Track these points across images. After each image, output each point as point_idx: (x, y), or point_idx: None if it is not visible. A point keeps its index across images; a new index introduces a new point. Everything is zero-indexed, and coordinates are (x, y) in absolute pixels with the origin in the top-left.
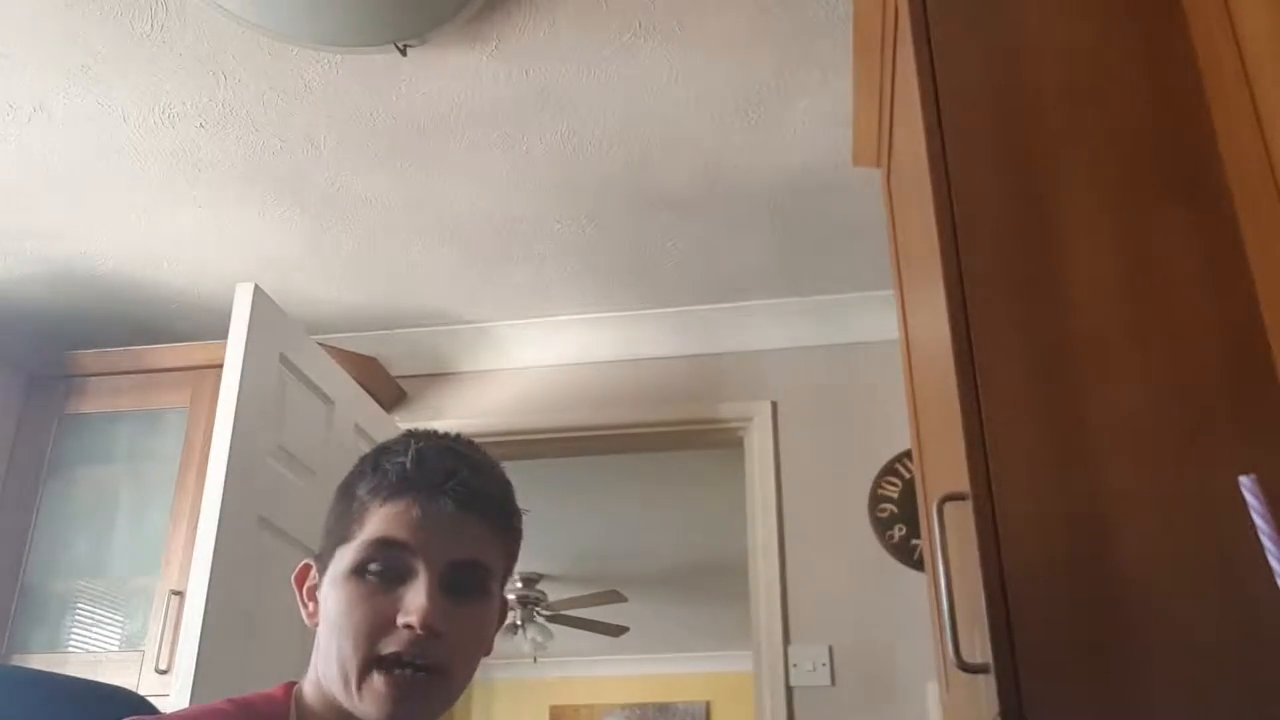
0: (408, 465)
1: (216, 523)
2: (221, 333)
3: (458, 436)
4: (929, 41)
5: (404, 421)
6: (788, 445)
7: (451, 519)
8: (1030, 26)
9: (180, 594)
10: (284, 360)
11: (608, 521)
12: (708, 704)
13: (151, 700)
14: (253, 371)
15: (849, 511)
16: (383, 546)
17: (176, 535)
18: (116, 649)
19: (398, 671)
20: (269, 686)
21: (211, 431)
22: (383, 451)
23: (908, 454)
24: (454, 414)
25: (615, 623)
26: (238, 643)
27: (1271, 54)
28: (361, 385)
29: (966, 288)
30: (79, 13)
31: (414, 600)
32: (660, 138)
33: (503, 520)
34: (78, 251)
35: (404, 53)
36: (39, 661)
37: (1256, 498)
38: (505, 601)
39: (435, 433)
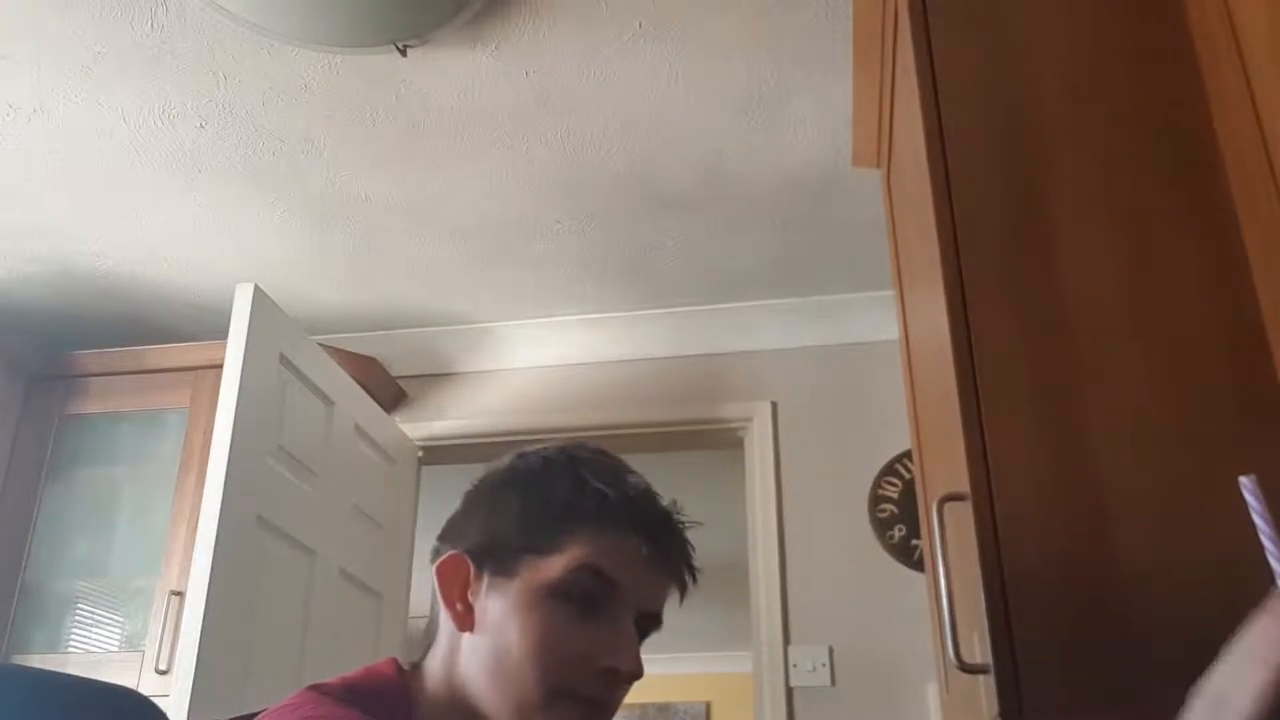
0: (634, 496)
1: (216, 523)
2: (221, 333)
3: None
4: (929, 41)
5: (404, 421)
6: (788, 445)
7: (668, 572)
8: (1030, 26)
9: (180, 594)
10: (284, 360)
11: None
12: (708, 704)
13: (153, 701)
14: (253, 372)
15: (849, 511)
16: (595, 576)
17: (176, 535)
18: (117, 649)
19: (588, 703)
20: (268, 686)
21: (211, 432)
22: (587, 467)
23: (908, 454)
24: (454, 414)
25: None
26: (238, 643)
27: (1271, 54)
28: (361, 385)
29: (966, 288)
30: (79, 13)
31: (622, 643)
32: (660, 138)
33: (686, 588)
34: (78, 251)
35: (404, 53)
36: (39, 661)
37: (1256, 498)
38: None
39: (628, 465)
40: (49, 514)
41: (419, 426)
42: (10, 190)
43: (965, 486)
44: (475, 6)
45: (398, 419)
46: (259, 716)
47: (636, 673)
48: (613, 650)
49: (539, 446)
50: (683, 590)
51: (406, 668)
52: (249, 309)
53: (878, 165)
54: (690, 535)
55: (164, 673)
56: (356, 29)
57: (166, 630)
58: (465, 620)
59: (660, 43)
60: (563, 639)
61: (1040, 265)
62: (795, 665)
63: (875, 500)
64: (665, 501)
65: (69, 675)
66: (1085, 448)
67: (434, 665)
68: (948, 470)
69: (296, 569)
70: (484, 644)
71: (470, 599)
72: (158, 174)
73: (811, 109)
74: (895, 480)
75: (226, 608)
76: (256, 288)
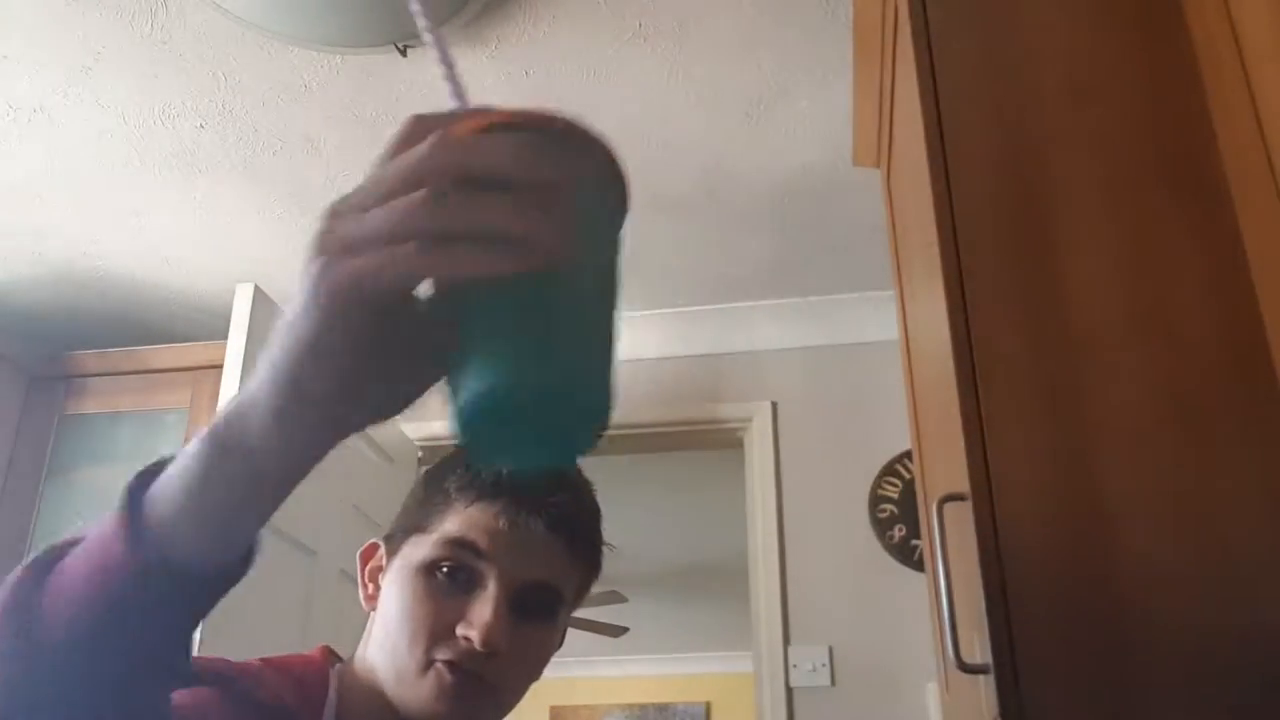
0: (504, 474)
1: None
2: (221, 333)
3: None
4: (929, 41)
5: (404, 421)
6: (788, 445)
7: (538, 539)
8: (1030, 26)
9: None
10: None
11: (608, 522)
12: (708, 704)
13: None
14: (252, 372)
15: (849, 511)
16: (459, 548)
17: None
18: None
19: (459, 672)
20: None
21: None
22: None
23: (908, 454)
24: None
25: (616, 623)
26: (238, 643)
27: (1271, 54)
28: None
29: (966, 288)
30: (79, 13)
31: (479, 613)
32: (660, 138)
33: (588, 551)
34: (78, 251)
35: (404, 53)
36: None
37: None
38: (565, 632)
39: None
40: (49, 514)
41: (419, 426)
42: (10, 190)
43: (965, 486)
44: (475, 6)
45: (398, 419)
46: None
47: (490, 641)
48: (469, 619)
49: None
50: (579, 557)
51: (345, 660)
52: (249, 309)
53: (878, 165)
54: (689, 532)
55: None
56: (356, 29)
57: None
58: (372, 600)
59: (660, 43)
60: (426, 609)
61: (1040, 265)
62: (795, 665)
63: (875, 500)
64: (569, 475)
65: None
66: (1085, 448)
67: (360, 650)
68: (948, 470)
69: (296, 569)
70: (378, 618)
71: (378, 579)
72: (157, 174)
73: (811, 109)
74: (895, 480)
75: (226, 608)
76: (256, 288)
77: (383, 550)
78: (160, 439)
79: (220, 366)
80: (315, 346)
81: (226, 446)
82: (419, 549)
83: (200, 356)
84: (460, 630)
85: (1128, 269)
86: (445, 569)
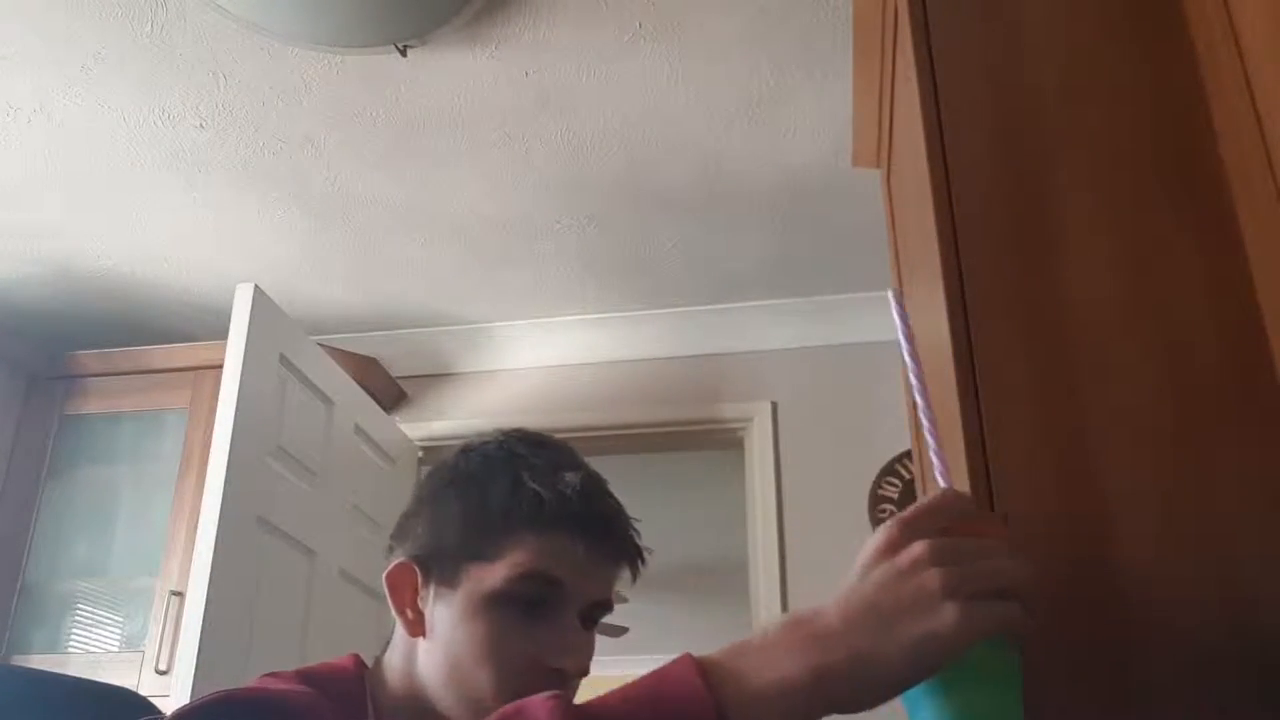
0: (570, 495)
1: (216, 523)
2: (221, 333)
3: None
4: (929, 41)
5: (404, 422)
6: (788, 445)
7: (609, 561)
8: (1030, 26)
9: (180, 594)
10: (284, 361)
11: None
12: None
13: (152, 701)
14: (252, 372)
15: (849, 512)
16: (537, 581)
17: (176, 536)
18: (116, 649)
19: None
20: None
21: (211, 432)
22: (525, 465)
23: (908, 454)
24: (454, 414)
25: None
26: (238, 643)
27: (1271, 54)
28: (361, 386)
29: (966, 288)
30: (79, 14)
31: (567, 643)
32: (660, 138)
33: (638, 567)
34: (78, 251)
35: (404, 53)
36: (39, 662)
37: (900, 307)
38: None
39: (571, 452)
40: (49, 514)
41: (419, 427)
42: (10, 190)
43: (965, 487)
44: (475, 6)
45: (398, 419)
46: (212, 694)
47: (583, 671)
48: (559, 651)
49: (482, 440)
50: (634, 573)
51: (370, 665)
52: (249, 309)
53: (878, 165)
54: (689, 532)
55: (164, 673)
56: (356, 29)
57: (166, 630)
58: (416, 628)
59: (660, 43)
60: (509, 645)
61: (1040, 265)
62: None
63: (875, 500)
64: (602, 490)
65: (67, 676)
66: (1085, 448)
67: (393, 661)
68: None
69: (296, 569)
70: (437, 651)
71: (420, 606)
72: (158, 174)
73: (811, 109)
74: (895, 480)
75: (226, 608)
76: (256, 288)
77: (419, 575)
78: (160, 439)
79: (220, 367)
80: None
81: None
82: (486, 580)
83: (200, 356)
84: (552, 662)
85: (1128, 269)
86: (522, 599)
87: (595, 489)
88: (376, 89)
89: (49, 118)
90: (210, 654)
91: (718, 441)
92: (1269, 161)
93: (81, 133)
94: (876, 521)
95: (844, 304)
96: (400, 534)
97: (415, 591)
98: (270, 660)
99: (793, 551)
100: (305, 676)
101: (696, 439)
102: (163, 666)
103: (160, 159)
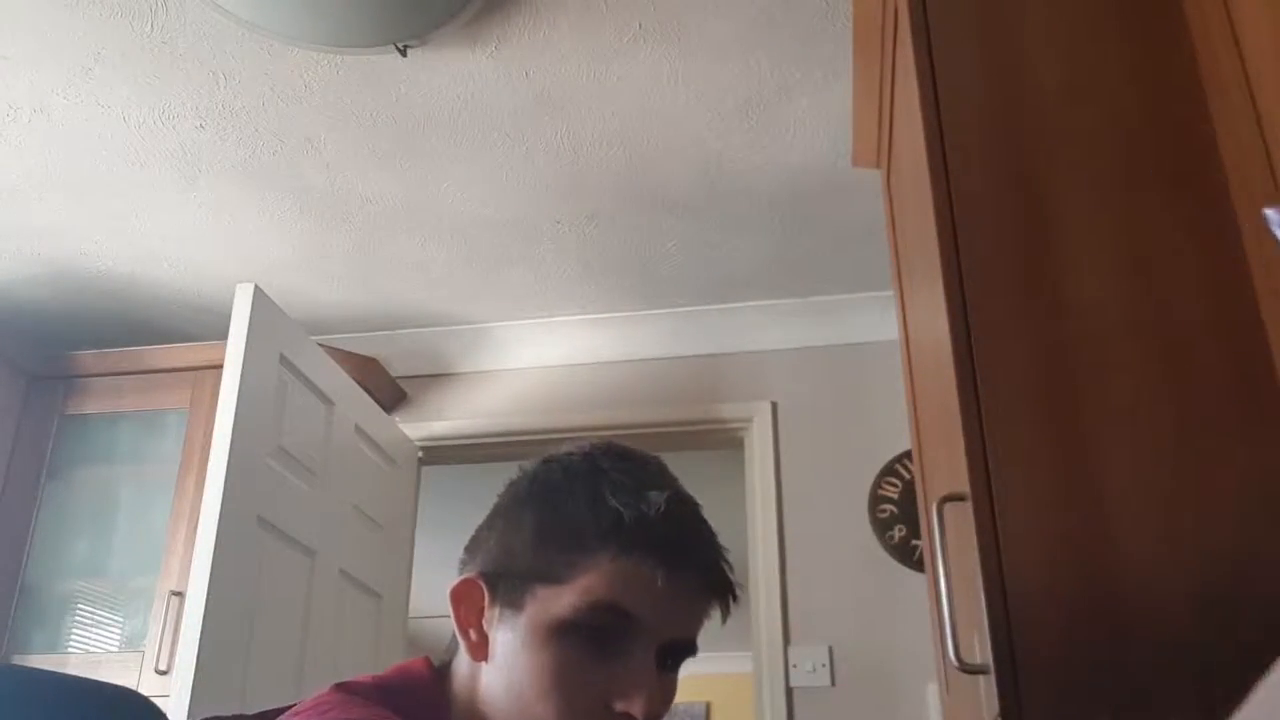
0: (652, 516)
1: (216, 523)
2: (221, 333)
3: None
4: (929, 41)
5: (404, 422)
6: (788, 445)
7: (694, 596)
8: (1030, 26)
9: (180, 594)
10: (284, 361)
11: None
12: (708, 704)
13: (154, 701)
14: (252, 372)
15: (849, 512)
16: (608, 612)
17: (176, 536)
18: (116, 649)
19: None
20: (268, 686)
21: (211, 432)
22: (608, 480)
23: (908, 454)
24: (454, 414)
25: None
26: (238, 643)
27: (1271, 54)
28: (361, 386)
29: (966, 288)
30: (79, 14)
31: (637, 684)
32: (660, 138)
33: (731, 605)
34: (78, 251)
35: (404, 53)
36: (39, 662)
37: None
38: None
39: (662, 468)
40: (49, 514)
41: (419, 427)
42: (10, 190)
43: (965, 487)
44: (475, 6)
45: (398, 419)
46: (287, 713)
47: (655, 716)
48: (627, 693)
49: (568, 448)
50: (725, 612)
51: (438, 666)
52: (249, 309)
53: (877, 165)
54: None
55: (164, 673)
56: (356, 29)
57: (166, 630)
58: (479, 650)
59: (660, 43)
60: (575, 680)
61: (1040, 265)
62: (795, 665)
63: (875, 500)
64: (692, 514)
65: (68, 675)
66: (1085, 447)
67: (460, 674)
68: (948, 471)
69: (296, 569)
70: (499, 677)
71: (485, 627)
72: (157, 174)
73: (811, 109)
74: (895, 481)
75: (226, 608)
76: (256, 288)
77: (486, 592)
78: (160, 439)
79: (220, 367)
80: None
81: None
82: (554, 605)
83: (200, 356)
84: (619, 706)
85: (1127, 269)
86: (591, 631)
87: (683, 512)
88: (376, 89)
89: (49, 118)
90: (210, 654)
91: (718, 441)
92: (1269, 161)
93: (81, 133)
94: (876, 522)
95: (844, 304)
96: (473, 546)
97: (480, 610)
98: (270, 660)
99: (793, 552)
100: (381, 687)
101: (696, 439)
102: (163, 666)
103: (160, 159)
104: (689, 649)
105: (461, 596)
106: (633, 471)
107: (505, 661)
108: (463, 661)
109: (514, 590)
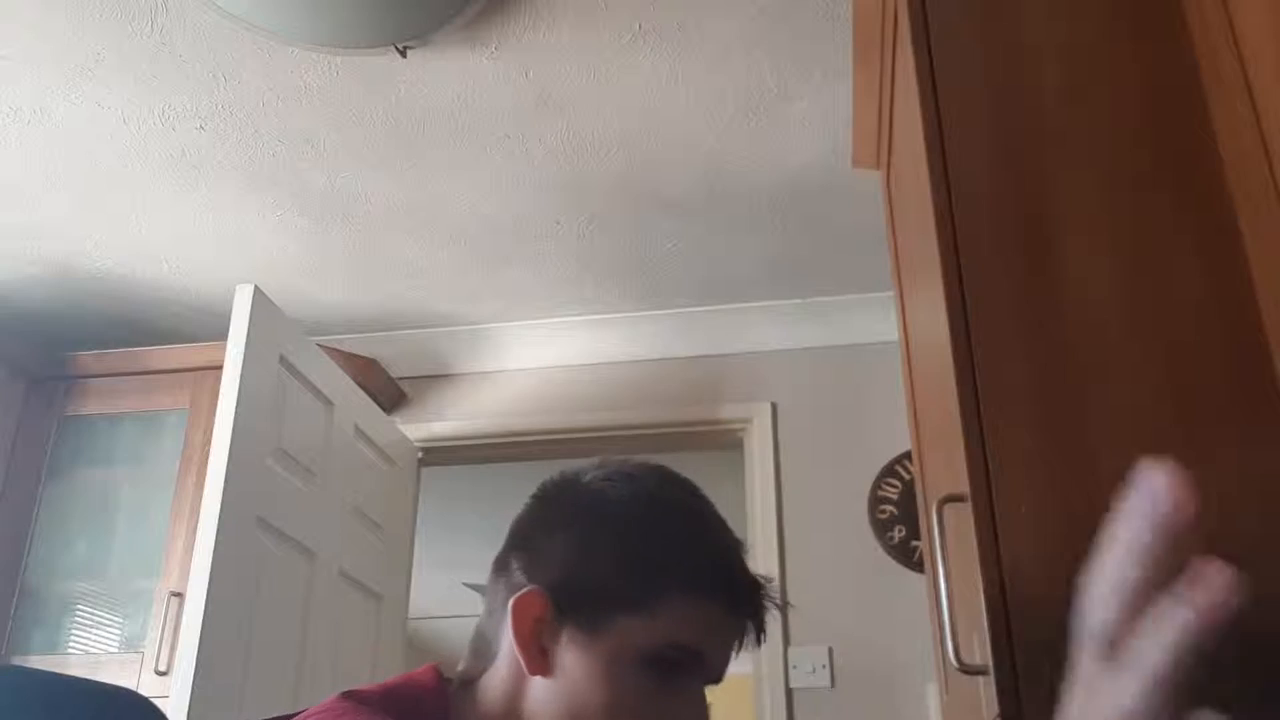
0: (734, 566)
1: (216, 524)
2: (221, 334)
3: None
4: (929, 41)
5: (404, 422)
6: (788, 446)
7: (739, 634)
8: (1030, 26)
9: (180, 595)
10: (283, 362)
11: None
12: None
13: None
14: (252, 373)
15: (849, 513)
16: (685, 652)
17: (176, 537)
18: (116, 650)
19: None
20: (268, 687)
21: (211, 433)
22: (693, 520)
23: (908, 455)
24: (454, 415)
25: None
26: (237, 643)
27: (1271, 54)
28: (361, 387)
29: (966, 288)
30: (80, 15)
31: (693, 714)
32: (660, 139)
33: (752, 647)
34: (78, 252)
35: (404, 54)
36: (39, 663)
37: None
38: None
39: (714, 507)
40: (49, 514)
41: (419, 427)
42: (10, 190)
43: (965, 487)
44: (475, 7)
45: (397, 420)
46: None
47: None
48: None
49: (629, 470)
50: (741, 649)
51: (449, 677)
52: (249, 310)
53: (877, 166)
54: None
55: (164, 674)
56: (356, 29)
57: (166, 631)
58: (538, 665)
59: (660, 44)
60: (642, 709)
61: (1040, 265)
62: (795, 666)
63: (875, 501)
64: (745, 558)
65: (68, 676)
66: (1085, 448)
67: (492, 687)
68: (948, 471)
69: (296, 570)
70: (559, 694)
71: (546, 643)
72: (157, 175)
73: (811, 110)
74: (895, 481)
75: (226, 608)
76: (256, 289)
77: (550, 608)
78: (160, 440)
79: (220, 368)
80: None
81: None
82: (638, 636)
83: (200, 357)
84: None
85: (1127, 269)
86: (665, 666)
87: (743, 558)
88: (376, 89)
89: (49, 118)
90: (210, 654)
91: (718, 442)
92: (1269, 161)
93: (81, 133)
94: (876, 522)
95: (844, 305)
96: (528, 549)
97: (539, 623)
98: (270, 661)
99: (792, 552)
100: (387, 696)
101: (696, 439)
102: (162, 667)
103: (160, 159)
104: (718, 680)
105: (524, 608)
106: (706, 510)
107: (572, 680)
108: (500, 675)
109: (592, 613)
